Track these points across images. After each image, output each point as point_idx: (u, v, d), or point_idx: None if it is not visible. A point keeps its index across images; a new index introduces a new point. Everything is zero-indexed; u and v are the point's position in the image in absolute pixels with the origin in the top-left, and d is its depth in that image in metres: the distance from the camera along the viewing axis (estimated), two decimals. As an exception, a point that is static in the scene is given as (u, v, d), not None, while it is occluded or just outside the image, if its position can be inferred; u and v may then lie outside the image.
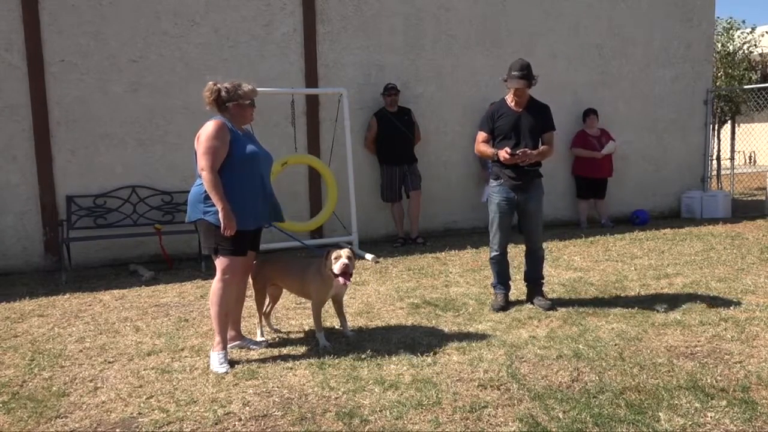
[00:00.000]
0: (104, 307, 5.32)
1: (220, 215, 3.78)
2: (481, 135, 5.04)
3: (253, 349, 4.17)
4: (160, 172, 7.26)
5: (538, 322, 4.59)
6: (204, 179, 3.80)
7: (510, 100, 4.95)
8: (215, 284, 3.95)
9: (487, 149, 4.97)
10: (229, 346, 4.07)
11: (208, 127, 3.86)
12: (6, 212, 6.77)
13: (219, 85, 3.95)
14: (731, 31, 15.17)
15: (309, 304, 5.15)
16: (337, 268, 3.98)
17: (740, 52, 14.88)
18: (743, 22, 15.48)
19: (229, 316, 4.05)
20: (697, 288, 5.46)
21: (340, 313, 4.45)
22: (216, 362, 3.85)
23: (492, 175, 5.07)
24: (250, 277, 4.32)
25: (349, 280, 4.04)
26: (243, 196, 3.88)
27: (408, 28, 8.35)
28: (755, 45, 15.01)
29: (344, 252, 4.05)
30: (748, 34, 15.07)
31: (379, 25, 8.19)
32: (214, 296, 3.94)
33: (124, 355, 4.11)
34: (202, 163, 3.80)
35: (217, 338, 3.93)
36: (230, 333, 4.15)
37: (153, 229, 6.82)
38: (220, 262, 3.93)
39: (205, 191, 3.85)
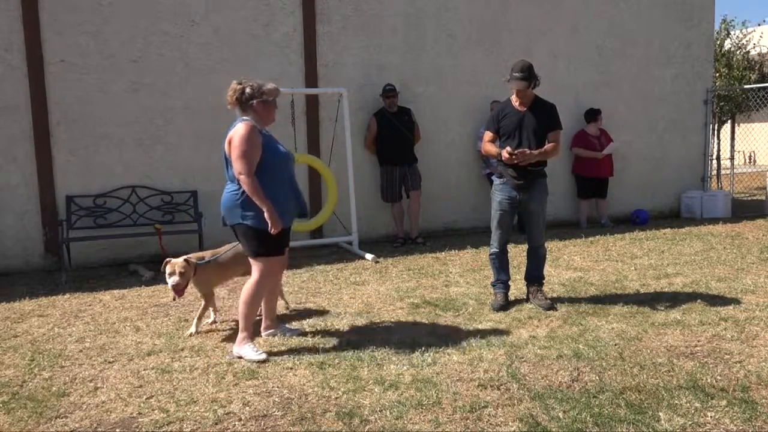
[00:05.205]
0: (104, 307, 5.32)
1: (267, 216, 3.80)
2: (487, 134, 5.09)
3: (288, 336, 4.30)
4: (160, 172, 7.25)
5: (538, 322, 4.59)
6: (244, 183, 3.80)
7: (514, 100, 4.98)
8: (253, 285, 3.99)
9: (492, 148, 5.01)
10: (264, 334, 4.28)
11: (240, 130, 3.82)
12: (6, 212, 6.76)
13: (243, 84, 3.91)
14: (729, 31, 15.14)
15: (307, 304, 5.19)
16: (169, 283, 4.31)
17: (738, 51, 14.85)
18: (743, 22, 15.44)
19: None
20: (697, 288, 5.46)
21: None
22: (252, 353, 3.91)
23: (496, 174, 5.09)
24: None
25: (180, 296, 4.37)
26: (279, 194, 3.92)
27: (408, 28, 8.35)
28: (748, 43, 14.97)
29: (177, 265, 4.31)
30: (747, 33, 15.04)
31: (379, 25, 8.18)
32: (250, 296, 3.99)
33: (124, 355, 4.11)
34: (240, 167, 3.79)
35: (245, 333, 3.99)
36: (266, 322, 4.35)
37: (153, 229, 6.82)
38: (261, 264, 3.97)
39: (241, 197, 3.86)
